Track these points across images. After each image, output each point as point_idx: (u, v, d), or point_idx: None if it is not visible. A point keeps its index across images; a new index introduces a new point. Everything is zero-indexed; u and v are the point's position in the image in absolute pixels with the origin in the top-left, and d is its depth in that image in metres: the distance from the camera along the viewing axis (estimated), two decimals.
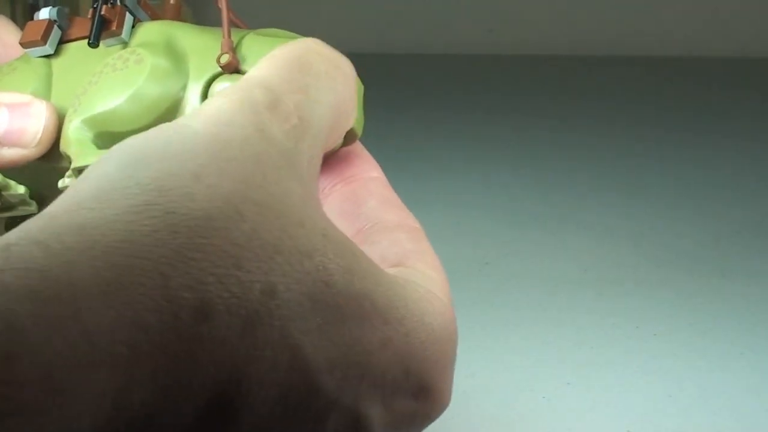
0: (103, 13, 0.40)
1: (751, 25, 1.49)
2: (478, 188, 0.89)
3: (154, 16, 0.44)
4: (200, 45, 0.39)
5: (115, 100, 0.38)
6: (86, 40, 0.42)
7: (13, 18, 1.20)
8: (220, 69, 0.38)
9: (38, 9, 0.43)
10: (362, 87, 0.43)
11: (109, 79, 0.39)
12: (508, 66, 1.42)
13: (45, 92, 0.41)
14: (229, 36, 0.38)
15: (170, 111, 0.38)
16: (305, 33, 0.42)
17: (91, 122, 0.39)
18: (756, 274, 0.69)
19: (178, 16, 0.44)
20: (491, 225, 0.78)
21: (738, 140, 1.08)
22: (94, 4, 0.41)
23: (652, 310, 0.62)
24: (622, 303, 0.63)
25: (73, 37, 0.43)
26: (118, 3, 0.41)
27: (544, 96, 1.28)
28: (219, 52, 0.38)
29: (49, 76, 0.42)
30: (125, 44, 0.41)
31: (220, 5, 0.39)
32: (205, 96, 0.38)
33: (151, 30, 0.41)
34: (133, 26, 0.42)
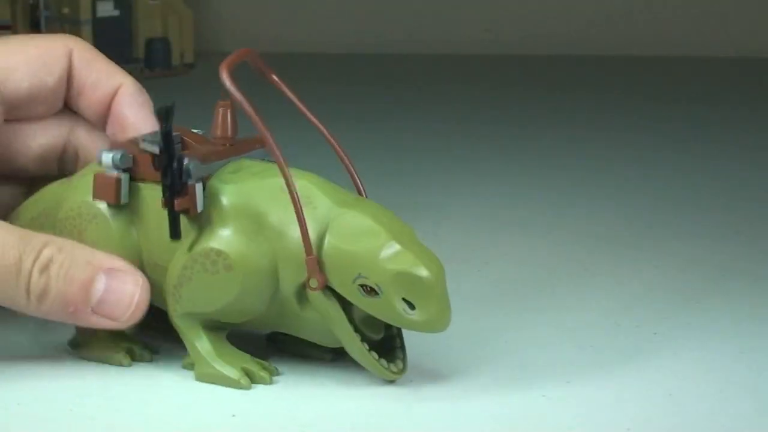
0: (177, 209, 0.42)
1: (751, 25, 1.49)
2: (477, 188, 0.89)
3: (206, 156, 0.45)
4: (286, 253, 0.42)
5: (214, 304, 0.43)
6: (156, 184, 0.43)
7: (13, 18, 1.19)
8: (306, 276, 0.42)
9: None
10: (442, 269, 0.46)
11: (202, 282, 0.42)
12: (506, 66, 1.42)
13: (133, 254, 0.44)
14: (311, 251, 0.41)
15: (270, 307, 0.43)
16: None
17: (195, 315, 0.43)
18: (756, 274, 0.69)
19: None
20: (490, 225, 0.78)
21: (738, 140, 1.08)
22: (163, 196, 0.41)
23: (652, 310, 0.62)
24: (622, 303, 0.63)
25: (140, 177, 0.44)
26: (185, 182, 0.41)
27: (543, 96, 1.28)
28: (305, 274, 0.42)
29: (130, 238, 0.44)
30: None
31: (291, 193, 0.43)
32: (299, 298, 0.43)
33: (227, 220, 0.43)
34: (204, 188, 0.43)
